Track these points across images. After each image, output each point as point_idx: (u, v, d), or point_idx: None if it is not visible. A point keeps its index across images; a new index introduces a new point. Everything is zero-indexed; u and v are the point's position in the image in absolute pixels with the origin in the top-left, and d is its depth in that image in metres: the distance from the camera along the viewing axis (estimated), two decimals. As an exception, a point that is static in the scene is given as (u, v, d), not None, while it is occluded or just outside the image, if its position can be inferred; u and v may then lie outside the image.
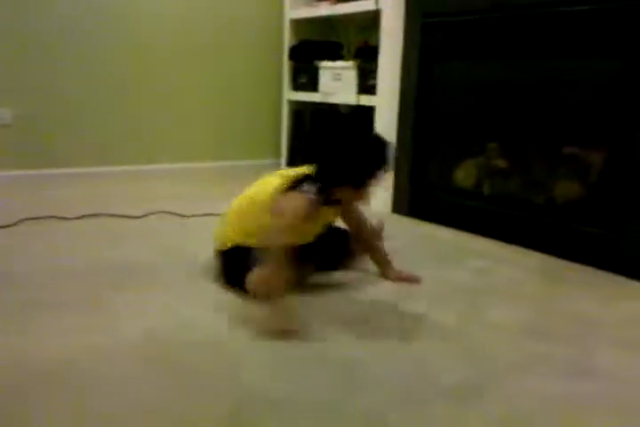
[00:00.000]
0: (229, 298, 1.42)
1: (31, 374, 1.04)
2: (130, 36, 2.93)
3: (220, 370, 1.08)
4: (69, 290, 1.44)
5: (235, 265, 1.45)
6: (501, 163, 2.09)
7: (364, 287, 1.53)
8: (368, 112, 2.52)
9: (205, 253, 1.66)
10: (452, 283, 1.59)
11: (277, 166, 3.32)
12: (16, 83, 2.72)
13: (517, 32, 1.90)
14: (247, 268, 1.33)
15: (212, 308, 1.36)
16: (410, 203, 2.33)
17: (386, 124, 2.36)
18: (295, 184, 1.40)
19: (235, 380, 1.04)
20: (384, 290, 1.52)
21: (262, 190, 1.47)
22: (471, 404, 0.99)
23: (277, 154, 3.36)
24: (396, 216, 2.35)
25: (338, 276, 1.62)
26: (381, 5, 2.38)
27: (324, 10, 2.87)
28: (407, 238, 2.02)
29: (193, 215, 2.18)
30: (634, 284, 1.62)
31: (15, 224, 2.00)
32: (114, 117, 2.96)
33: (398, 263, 1.68)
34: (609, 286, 1.61)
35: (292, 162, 3.22)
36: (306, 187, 1.37)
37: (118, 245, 1.84)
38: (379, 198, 2.43)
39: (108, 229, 2.01)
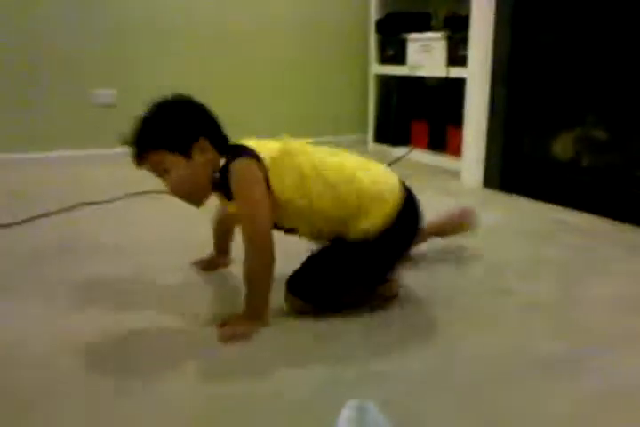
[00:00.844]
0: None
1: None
2: (216, 14, 3.00)
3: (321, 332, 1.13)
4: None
5: None
6: (601, 134, 2.01)
7: (446, 264, 1.53)
8: (458, 83, 2.47)
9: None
10: (548, 258, 1.56)
11: (364, 142, 3.32)
12: (121, 64, 2.85)
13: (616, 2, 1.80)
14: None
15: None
16: (501, 176, 2.28)
17: (478, 96, 2.30)
18: None
19: (330, 350, 1.09)
20: (471, 267, 1.52)
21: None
22: (567, 379, 0.98)
23: (364, 129, 3.36)
24: (487, 190, 2.31)
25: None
26: (473, -27, 2.30)
27: (412, -20, 2.81)
28: (500, 213, 1.98)
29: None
30: None
31: (120, 199, 2.13)
32: (208, 94, 3.05)
33: (489, 239, 1.67)
34: None
35: (379, 137, 3.22)
36: None
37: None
38: (469, 173, 2.40)
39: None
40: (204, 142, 1.18)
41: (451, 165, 2.64)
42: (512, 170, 2.25)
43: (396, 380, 0.98)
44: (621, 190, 1.88)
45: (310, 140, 1.27)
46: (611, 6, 1.84)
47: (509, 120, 2.22)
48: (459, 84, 2.46)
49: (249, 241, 1.14)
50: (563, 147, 2.12)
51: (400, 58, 2.94)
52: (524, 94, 2.17)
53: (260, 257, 1.15)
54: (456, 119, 2.54)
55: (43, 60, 2.73)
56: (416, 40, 2.81)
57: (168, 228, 1.83)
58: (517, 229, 1.81)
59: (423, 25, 2.95)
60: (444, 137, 2.82)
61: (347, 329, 1.16)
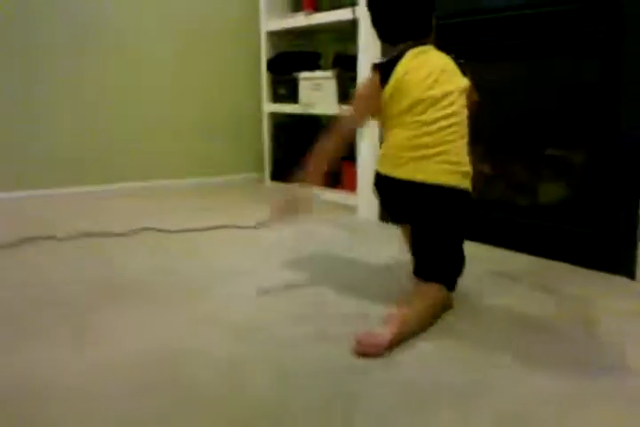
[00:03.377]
0: (228, 314, 1.40)
1: (27, 397, 1.00)
2: (105, 49, 2.91)
3: (223, 385, 1.05)
4: (60, 312, 1.40)
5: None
6: (485, 167, 2.09)
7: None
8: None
9: (197, 269, 1.63)
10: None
11: (261, 181, 3.30)
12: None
13: (504, 34, 1.92)
14: None
15: (216, 325, 1.33)
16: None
17: (369, 132, 2.35)
18: None
19: (239, 395, 1.02)
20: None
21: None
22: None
23: (261, 168, 3.34)
24: (383, 224, 2.34)
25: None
26: (358, 14, 2.38)
27: (301, 21, 2.87)
28: (397, 245, 2.00)
29: (179, 231, 2.16)
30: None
31: (9, 246, 1.95)
32: (86, 134, 2.90)
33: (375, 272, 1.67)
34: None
35: (276, 175, 3.21)
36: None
37: (109, 264, 1.80)
38: (364, 207, 2.42)
39: (97, 247, 1.97)
40: None
41: (347, 200, 2.66)
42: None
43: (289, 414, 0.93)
44: (507, 219, 1.96)
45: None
46: (497, 42, 1.94)
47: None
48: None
49: None
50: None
51: (292, 96, 2.97)
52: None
53: None
54: (350, 155, 2.57)
55: None
56: (307, 79, 2.85)
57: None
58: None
59: (313, 64, 3.00)
60: (339, 173, 2.85)
61: (254, 371, 1.09)
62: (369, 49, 2.30)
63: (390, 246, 1.94)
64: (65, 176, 2.86)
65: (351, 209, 2.52)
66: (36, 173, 2.78)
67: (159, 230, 2.16)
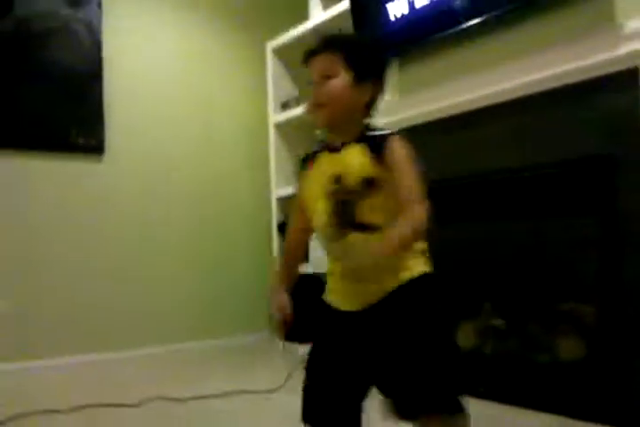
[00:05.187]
0: None
1: None
2: (112, 210, 3.05)
3: None
4: None
5: None
6: (499, 322, 2.08)
7: None
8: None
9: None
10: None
11: (272, 340, 3.26)
12: (9, 277, 2.74)
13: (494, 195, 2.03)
14: None
15: None
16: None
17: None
18: None
19: None
20: None
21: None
22: None
23: (272, 327, 3.32)
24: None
25: None
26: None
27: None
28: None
29: (190, 398, 2.09)
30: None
31: (9, 421, 1.88)
32: (91, 301, 2.93)
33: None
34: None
35: (288, 335, 3.17)
36: None
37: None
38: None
39: (104, 420, 1.90)
40: (377, 84, 1.13)
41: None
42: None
43: None
44: (525, 377, 1.90)
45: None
46: (498, 202, 2.04)
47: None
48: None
49: (413, 212, 1.04)
50: (464, 336, 2.16)
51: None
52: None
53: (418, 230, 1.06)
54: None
55: None
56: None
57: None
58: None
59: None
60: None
61: None
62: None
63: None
64: (66, 344, 2.84)
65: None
66: (35, 343, 2.76)
67: (170, 399, 2.10)
